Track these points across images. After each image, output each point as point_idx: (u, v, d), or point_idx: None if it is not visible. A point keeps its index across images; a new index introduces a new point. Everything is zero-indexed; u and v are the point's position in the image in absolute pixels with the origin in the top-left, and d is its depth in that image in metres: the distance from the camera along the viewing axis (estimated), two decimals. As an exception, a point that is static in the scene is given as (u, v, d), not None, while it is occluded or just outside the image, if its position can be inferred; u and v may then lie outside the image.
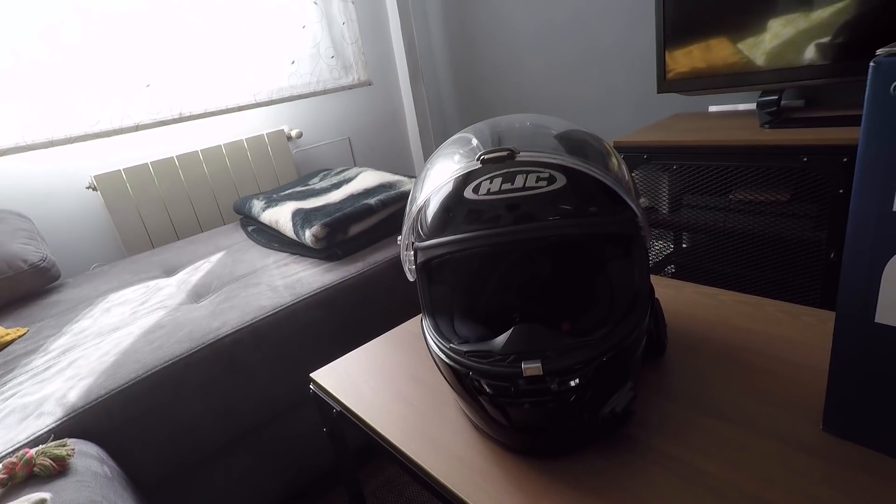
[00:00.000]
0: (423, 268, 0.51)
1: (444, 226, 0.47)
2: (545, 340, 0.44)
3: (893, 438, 0.40)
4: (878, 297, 0.37)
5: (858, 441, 0.42)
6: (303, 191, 1.50)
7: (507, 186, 0.43)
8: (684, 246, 1.45)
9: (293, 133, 1.96)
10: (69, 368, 0.88)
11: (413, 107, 2.31)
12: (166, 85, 1.63)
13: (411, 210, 0.50)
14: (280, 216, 1.30)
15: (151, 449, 0.84)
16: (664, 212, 1.33)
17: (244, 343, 0.95)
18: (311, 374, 0.69)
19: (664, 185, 1.31)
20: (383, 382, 0.64)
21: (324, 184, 1.55)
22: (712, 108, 1.47)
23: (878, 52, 0.32)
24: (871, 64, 0.32)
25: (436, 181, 0.47)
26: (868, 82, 0.33)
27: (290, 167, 1.95)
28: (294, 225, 1.23)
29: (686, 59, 1.27)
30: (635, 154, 1.28)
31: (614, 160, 0.49)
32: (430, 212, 0.49)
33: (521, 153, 0.42)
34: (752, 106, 1.30)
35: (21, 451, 0.61)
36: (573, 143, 0.48)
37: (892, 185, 0.34)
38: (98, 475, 0.63)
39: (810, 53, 1.09)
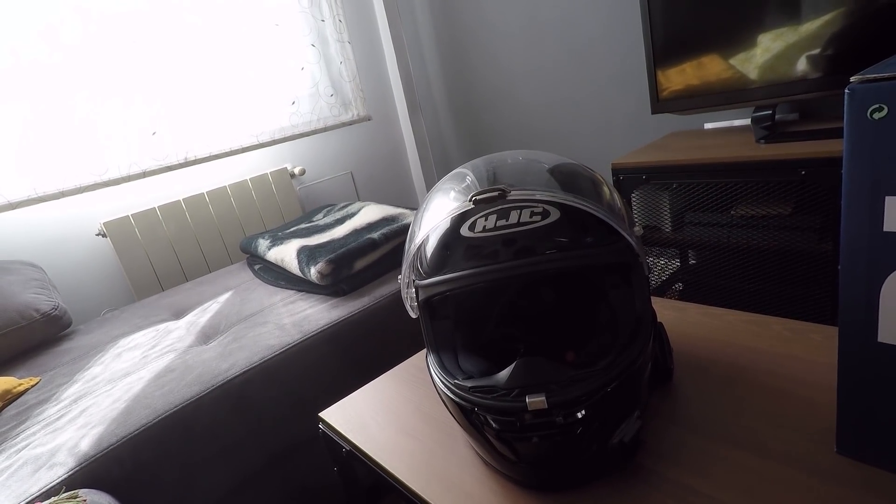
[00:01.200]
0: (425, 304, 0.51)
1: (443, 263, 0.48)
2: (549, 373, 0.44)
3: (907, 459, 0.39)
4: (878, 317, 0.37)
5: (873, 463, 0.41)
6: (307, 227, 1.52)
7: (501, 223, 0.44)
8: (691, 263, 1.45)
9: (296, 170, 2.00)
10: (81, 417, 0.89)
11: (413, 138, 2.35)
12: (171, 131, 1.67)
13: (410, 248, 0.51)
14: (286, 254, 1.32)
15: (164, 494, 0.84)
16: (667, 230, 1.34)
17: (253, 383, 0.95)
18: (319, 414, 0.69)
19: (665, 204, 1.32)
20: (391, 419, 0.64)
21: (328, 220, 1.57)
22: (708, 126, 1.49)
23: (852, 79, 0.33)
24: (846, 91, 0.33)
25: (432, 220, 0.48)
26: (845, 109, 0.34)
27: (294, 204, 1.98)
28: (300, 262, 1.24)
29: (679, 77, 1.29)
30: (634, 175, 1.29)
31: (606, 190, 0.50)
32: (429, 249, 0.49)
33: (513, 192, 0.43)
34: (748, 121, 1.31)
35: (33, 506, 0.61)
36: (565, 176, 0.48)
37: (879, 205, 0.34)
38: (110, 526, 0.63)
39: (802, 66, 1.10)
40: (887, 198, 0.34)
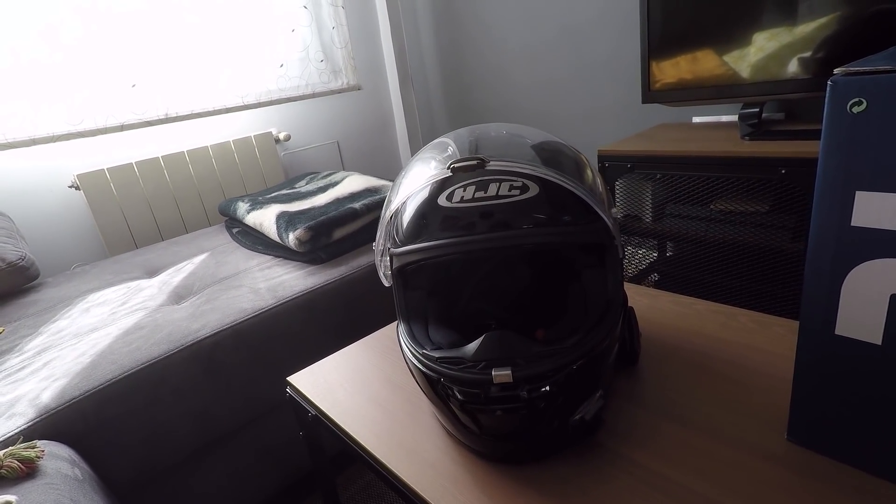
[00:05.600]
0: (399, 273, 0.51)
1: (418, 232, 0.47)
2: (516, 348, 0.44)
3: (853, 449, 0.41)
4: (837, 310, 0.38)
5: (821, 451, 0.43)
6: (288, 193, 1.50)
7: (480, 194, 0.44)
8: (668, 254, 1.47)
9: (281, 136, 1.95)
10: (44, 369, 0.87)
11: (402, 112, 2.31)
12: (152, 85, 1.62)
13: (385, 215, 0.50)
14: (265, 218, 1.30)
15: (127, 452, 0.83)
16: (647, 221, 1.35)
17: (224, 345, 0.94)
18: (287, 378, 0.69)
19: (648, 195, 1.33)
20: (359, 387, 0.64)
21: (310, 187, 1.55)
22: (696, 119, 1.50)
23: (836, 71, 0.33)
24: (829, 83, 0.33)
25: (410, 187, 0.48)
26: (826, 101, 0.34)
27: (277, 170, 1.94)
28: (278, 228, 1.22)
29: (673, 69, 1.29)
30: (619, 163, 1.29)
31: (589, 172, 0.49)
32: (406, 218, 0.49)
33: (492, 162, 0.43)
34: (735, 118, 1.32)
35: (-11, 453, 0.60)
36: (547, 153, 0.48)
37: (850, 200, 0.35)
38: (68, 477, 0.62)
39: (793, 67, 1.11)
40: (858, 192, 0.34)
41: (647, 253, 1.49)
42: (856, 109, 0.33)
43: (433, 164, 0.48)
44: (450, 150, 0.48)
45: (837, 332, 0.38)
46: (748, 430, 0.47)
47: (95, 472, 0.75)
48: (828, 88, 0.33)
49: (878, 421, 0.38)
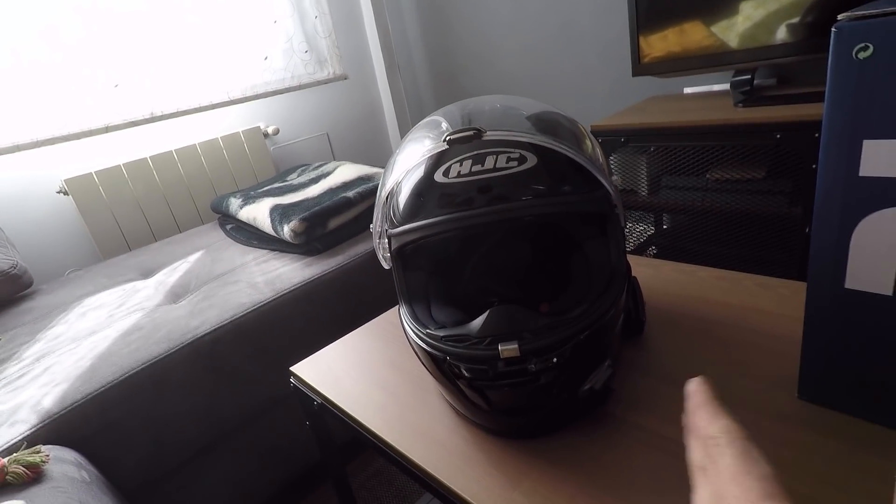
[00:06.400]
0: (398, 255, 0.50)
1: (416, 211, 0.46)
2: (522, 321, 0.44)
3: (864, 402, 0.40)
4: (847, 264, 0.37)
5: (832, 406, 0.42)
6: (280, 187, 1.48)
7: (477, 168, 0.43)
8: (665, 227, 1.46)
9: (270, 130, 1.93)
10: (44, 375, 0.86)
11: (391, 99, 2.29)
12: (136, 84, 1.59)
13: (381, 196, 0.49)
14: (258, 213, 1.28)
15: (133, 452, 0.83)
16: (643, 194, 1.34)
17: (224, 341, 0.93)
18: (291, 368, 0.68)
19: (642, 168, 1.32)
20: (364, 373, 0.63)
21: (302, 179, 1.53)
22: (687, 90, 1.48)
23: (840, 17, 0.32)
24: (833, 29, 0.32)
25: (404, 165, 0.46)
26: (831, 48, 0.33)
27: (268, 164, 1.92)
28: (272, 221, 1.21)
29: (661, 43, 1.27)
30: (613, 137, 1.28)
31: (588, 141, 0.48)
32: (402, 197, 0.48)
33: (489, 132, 0.42)
34: (727, 86, 1.31)
35: (-7, 461, 0.59)
36: (544, 123, 0.47)
37: (857, 150, 0.34)
38: (75, 480, 0.62)
39: (781, 34, 1.10)
40: (865, 141, 0.33)
41: (645, 227, 1.48)
42: (862, 55, 0.32)
43: (427, 141, 0.47)
44: (443, 126, 0.47)
45: (847, 285, 0.37)
46: (758, 391, 0.46)
47: (103, 474, 0.74)
48: (832, 35, 0.32)
49: (890, 372, 0.38)
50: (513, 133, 0.42)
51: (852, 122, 0.34)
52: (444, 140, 0.42)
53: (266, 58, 1.88)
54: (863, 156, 0.34)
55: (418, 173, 0.46)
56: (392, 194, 0.49)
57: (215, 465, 0.94)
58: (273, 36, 1.89)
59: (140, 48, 1.58)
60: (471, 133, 0.41)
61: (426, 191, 0.46)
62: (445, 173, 0.44)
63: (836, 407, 0.42)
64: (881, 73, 0.31)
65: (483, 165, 0.43)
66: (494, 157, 0.43)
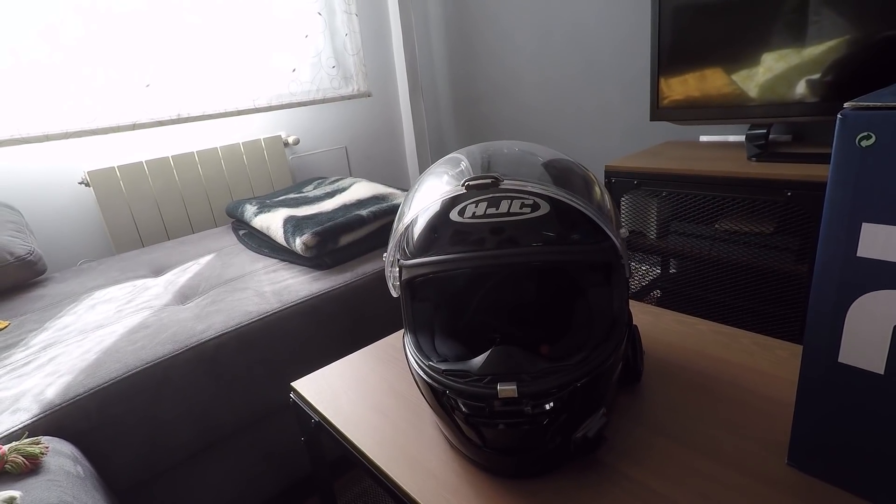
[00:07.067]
0: (407, 285, 0.52)
1: (429, 245, 0.48)
2: (522, 363, 0.45)
3: (852, 476, 0.41)
4: (841, 338, 0.38)
5: (821, 477, 0.43)
6: (296, 198, 1.51)
7: (491, 211, 0.45)
8: (671, 271, 1.47)
9: (290, 139, 1.97)
10: (49, 365, 0.88)
11: (411, 119, 2.33)
12: (166, 86, 1.64)
13: (398, 228, 0.51)
14: (272, 222, 1.31)
15: (128, 450, 0.84)
16: (652, 237, 1.36)
17: (228, 347, 0.95)
18: (292, 384, 0.69)
19: (653, 211, 1.34)
20: (363, 395, 0.64)
21: (317, 192, 1.56)
22: (703, 138, 1.50)
23: (846, 105, 0.34)
24: (839, 116, 0.34)
25: (423, 201, 0.48)
26: (836, 133, 0.34)
27: (285, 173, 1.96)
28: (285, 232, 1.23)
29: (681, 87, 1.30)
30: (626, 179, 1.30)
31: (597, 190, 0.50)
32: (417, 231, 0.50)
33: (506, 181, 0.43)
34: (742, 138, 1.33)
35: (-6, 448, 0.61)
36: (558, 171, 0.49)
37: (856, 231, 0.36)
38: (70, 474, 0.63)
39: (801, 89, 1.12)
40: (864, 224, 0.35)
41: (651, 269, 1.49)
42: (864, 143, 0.33)
43: (446, 178, 0.49)
44: (462, 166, 0.49)
45: (840, 360, 0.39)
46: (748, 452, 0.47)
47: (96, 470, 0.75)
48: (837, 122, 0.34)
49: (879, 450, 0.39)
50: (528, 183, 0.44)
51: (853, 204, 0.35)
52: (463, 184, 0.44)
53: (294, 70, 1.93)
54: (861, 237, 0.35)
55: (435, 209, 0.48)
56: (407, 227, 0.51)
57: (209, 468, 0.95)
58: (303, 50, 1.95)
59: (173, 51, 1.63)
60: (489, 181, 0.43)
61: (440, 227, 0.47)
62: (461, 213, 0.46)
63: (824, 478, 0.43)
64: (882, 161, 0.33)
65: (497, 209, 0.45)
66: (509, 202, 0.45)
